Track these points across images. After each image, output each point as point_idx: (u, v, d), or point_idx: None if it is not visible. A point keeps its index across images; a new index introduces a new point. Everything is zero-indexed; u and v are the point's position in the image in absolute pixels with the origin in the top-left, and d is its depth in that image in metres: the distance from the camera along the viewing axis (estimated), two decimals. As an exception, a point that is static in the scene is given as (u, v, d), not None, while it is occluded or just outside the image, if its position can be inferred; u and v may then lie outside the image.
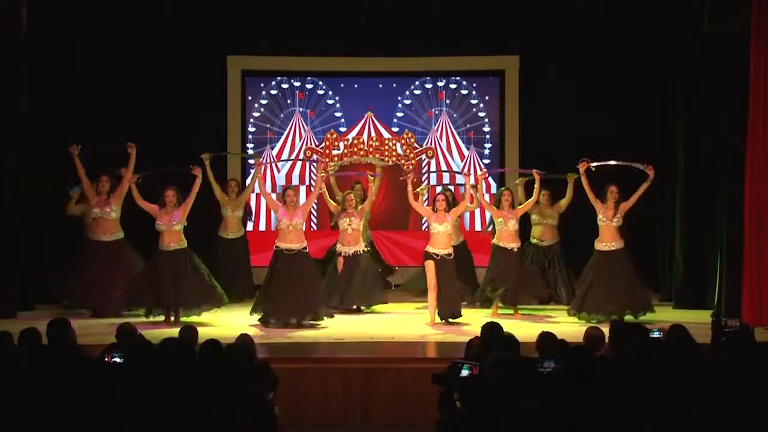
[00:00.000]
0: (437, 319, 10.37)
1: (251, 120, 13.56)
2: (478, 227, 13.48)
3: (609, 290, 10.30)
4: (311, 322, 10.13)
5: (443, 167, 13.53)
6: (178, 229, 10.26)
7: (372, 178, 11.28)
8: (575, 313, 10.39)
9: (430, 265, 10.35)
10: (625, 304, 10.26)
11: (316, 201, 13.18)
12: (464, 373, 6.08)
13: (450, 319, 10.33)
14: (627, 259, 10.45)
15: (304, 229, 10.36)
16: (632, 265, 10.48)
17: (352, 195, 11.24)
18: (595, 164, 10.56)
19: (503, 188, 11.44)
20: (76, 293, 10.81)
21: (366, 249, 11.32)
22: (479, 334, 6.95)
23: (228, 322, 10.28)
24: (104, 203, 10.86)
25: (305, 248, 10.27)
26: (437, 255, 10.38)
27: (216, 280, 12.02)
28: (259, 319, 10.17)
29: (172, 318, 10.18)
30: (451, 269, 10.43)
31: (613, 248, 10.44)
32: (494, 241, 11.07)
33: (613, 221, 10.41)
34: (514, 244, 10.92)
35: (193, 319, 10.11)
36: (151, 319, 10.20)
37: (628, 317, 10.11)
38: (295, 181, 13.43)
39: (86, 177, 10.83)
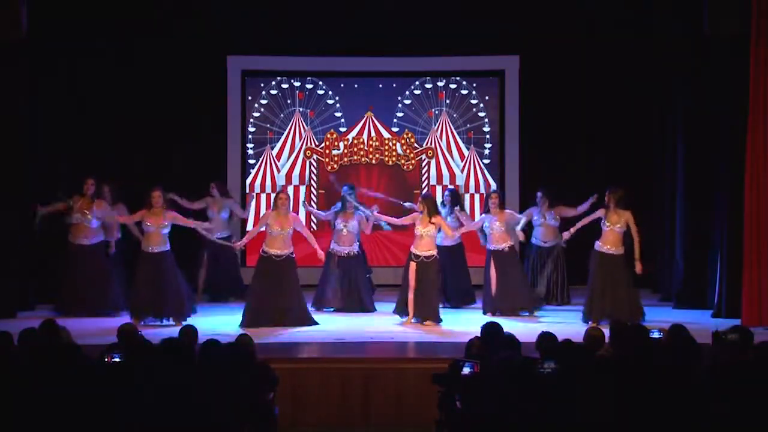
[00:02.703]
0: (412, 320, 10.40)
1: (251, 120, 13.55)
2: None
3: (612, 296, 10.33)
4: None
5: (443, 167, 13.53)
6: (165, 232, 10.22)
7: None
8: (587, 320, 10.33)
9: (411, 267, 10.43)
10: (621, 313, 10.23)
11: (316, 201, 13.21)
12: (466, 371, 6.09)
13: (424, 322, 10.33)
14: (625, 267, 10.45)
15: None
16: (630, 272, 10.48)
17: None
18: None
19: (492, 191, 11.54)
20: (64, 298, 10.83)
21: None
22: (479, 334, 6.95)
23: (228, 322, 10.27)
24: (87, 209, 10.84)
25: (292, 253, 10.33)
26: (418, 257, 10.42)
27: (206, 281, 12.01)
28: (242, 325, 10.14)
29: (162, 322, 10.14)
30: (431, 272, 10.43)
31: (612, 252, 10.43)
32: (489, 245, 11.09)
33: (615, 227, 10.40)
34: (505, 245, 10.96)
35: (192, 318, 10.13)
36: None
37: None
38: (295, 181, 13.43)
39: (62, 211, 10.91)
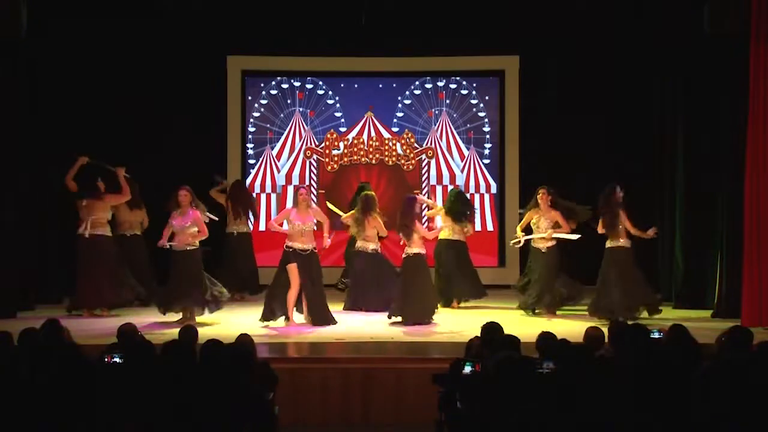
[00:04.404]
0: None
1: (251, 120, 13.56)
2: (478, 227, 13.48)
3: (620, 290, 10.34)
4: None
5: (443, 167, 13.54)
6: (191, 231, 10.25)
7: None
8: (593, 314, 10.38)
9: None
10: (638, 302, 10.28)
11: (316, 201, 13.19)
12: (467, 370, 6.09)
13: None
14: (630, 259, 10.47)
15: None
16: (636, 263, 10.51)
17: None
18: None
19: (540, 187, 11.15)
20: (85, 292, 10.82)
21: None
22: (479, 334, 6.95)
23: (228, 322, 10.28)
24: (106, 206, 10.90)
25: (316, 248, 10.32)
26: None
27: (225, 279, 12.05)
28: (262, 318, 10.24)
29: (188, 315, 10.18)
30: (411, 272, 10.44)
31: (621, 245, 10.45)
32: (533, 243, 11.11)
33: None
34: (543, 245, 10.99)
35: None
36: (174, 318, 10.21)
37: (643, 314, 10.26)
38: (295, 181, 13.43)
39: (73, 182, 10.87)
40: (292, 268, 10.16)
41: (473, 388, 5.85)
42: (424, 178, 13.55)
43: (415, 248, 10.38)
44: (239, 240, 12.14)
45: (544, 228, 10.91)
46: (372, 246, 11.25)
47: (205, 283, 10.33)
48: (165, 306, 10.31)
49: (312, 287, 10.20)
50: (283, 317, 10.23)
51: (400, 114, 13.64)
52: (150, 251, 11.37)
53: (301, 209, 10.29)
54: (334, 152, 13.54)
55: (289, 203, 12.98)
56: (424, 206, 11.42)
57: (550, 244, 10.94)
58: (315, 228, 10.37)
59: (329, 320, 10.26)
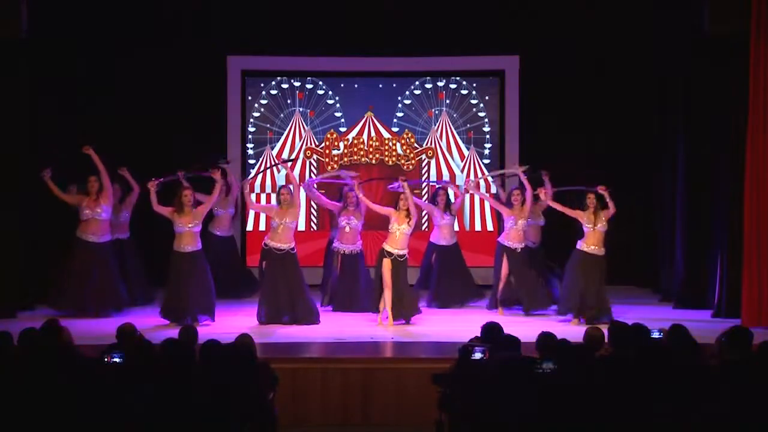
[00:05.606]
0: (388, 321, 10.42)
1: (251, 120, 13.55)
2: (478, 227, 13.49)
3: (589, 292, 10.36)
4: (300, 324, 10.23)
5: (443, 167, 13.53)
6: (195, 231, 10.24)
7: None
8: (564, 313, 10.42)
9: (386, 264, 10.40)
10: (594, 306, 10.32)
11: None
12: (476, 356, 6.09)
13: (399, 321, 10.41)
14: (604, 267, 10.49)
15: (295, 228, 10.49)
16: (605, 274, 10.53)
17: (353, 192, 11.27)
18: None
19: (515, 188, 11.34)
20: (65, 294, 10.79)
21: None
22: (479, 334, 6.95)
23: (228, 322, 10.27)
24: (94, 204, 10.87)
25: (293, 249, 10.33)
26: (391, 254, 10.42)
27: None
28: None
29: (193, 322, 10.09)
30: (403, 270, 10.46)
31: (595, 252, 10.44)
32: (500, 240, 11.11)
33: (596, 227, 10.42)
34: (519, 244, 10.99)
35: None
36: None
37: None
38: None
39: (63, 194, 10.88)
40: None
41: (475, 384, 5.85)
42: (424, 178, 13.53)
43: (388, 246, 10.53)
44: (223, 242, 12.18)
45: (521, 227, 10.98)
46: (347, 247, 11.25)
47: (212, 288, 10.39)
48: (178, 315, 10.14)
49: (284, 287, 10.22)
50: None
51: (400, 114, 13.64)
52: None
53: (282, 208, 10.35)
54: (334, 152, 13.54)
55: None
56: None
57: (524, 244, 11.03)
58: (301, 228, 10.48)
59: (307, 319, 10.29)
